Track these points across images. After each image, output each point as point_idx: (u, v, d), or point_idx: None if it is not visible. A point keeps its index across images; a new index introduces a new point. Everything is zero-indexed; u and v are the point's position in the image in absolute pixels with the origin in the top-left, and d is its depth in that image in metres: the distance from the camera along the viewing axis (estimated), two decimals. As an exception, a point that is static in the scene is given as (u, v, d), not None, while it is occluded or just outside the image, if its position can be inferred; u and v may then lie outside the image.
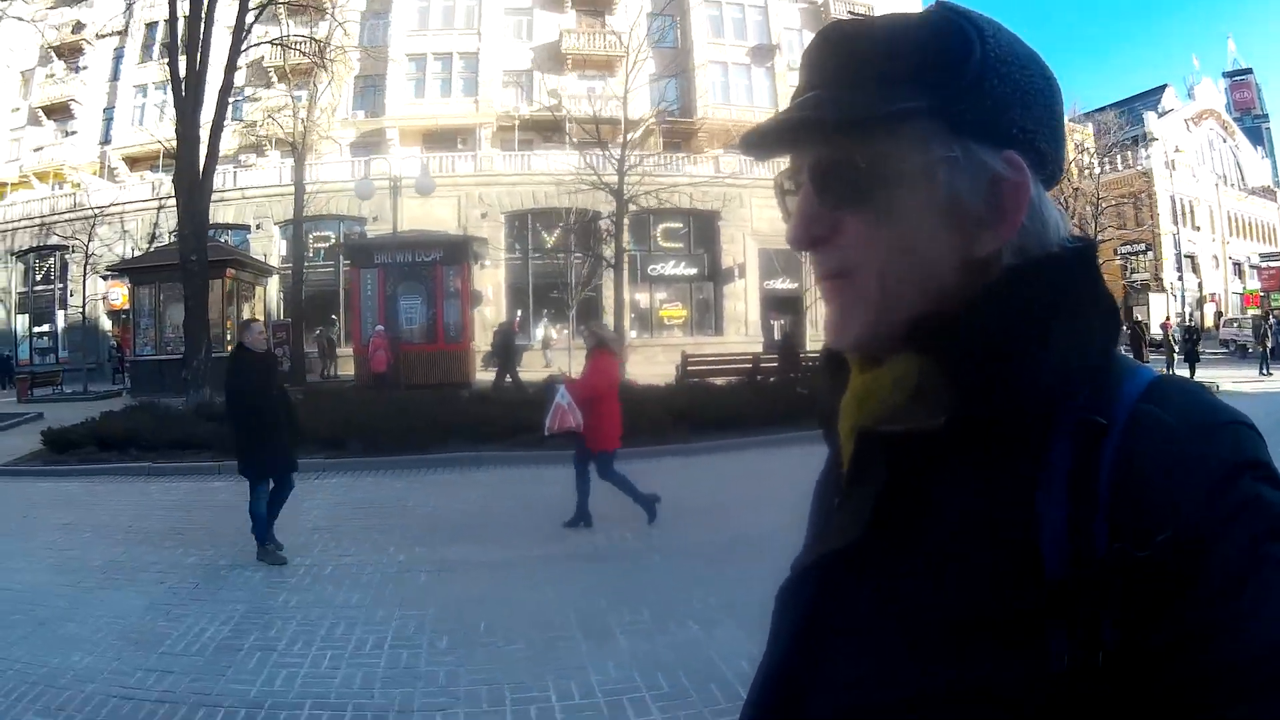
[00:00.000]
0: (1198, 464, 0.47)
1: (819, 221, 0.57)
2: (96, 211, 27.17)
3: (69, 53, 31.68)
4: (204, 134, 15.77)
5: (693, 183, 24.31)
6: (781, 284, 28.58)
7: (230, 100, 17.76)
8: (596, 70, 29.27)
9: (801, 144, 0.59)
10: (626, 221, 22.70)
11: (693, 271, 28.14)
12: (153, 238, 26.69)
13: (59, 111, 31.42)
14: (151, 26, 30.52)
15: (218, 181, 27.66)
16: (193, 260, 15.65)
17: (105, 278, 27.57)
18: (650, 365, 18.80)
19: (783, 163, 0.63)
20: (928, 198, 0.54)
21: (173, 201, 26.71)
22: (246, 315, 21.99)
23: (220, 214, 26.69)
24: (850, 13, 24.43)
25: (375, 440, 9.95)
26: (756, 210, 26.36)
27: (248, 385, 5.55)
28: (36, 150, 31.37)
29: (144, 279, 21.02)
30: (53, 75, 32.07)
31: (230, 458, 9.78)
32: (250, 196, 26.25)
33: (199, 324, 15.71)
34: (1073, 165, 39.59)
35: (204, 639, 4.27)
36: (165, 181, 27.49)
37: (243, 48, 16.90)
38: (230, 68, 16.10)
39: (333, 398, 15.37)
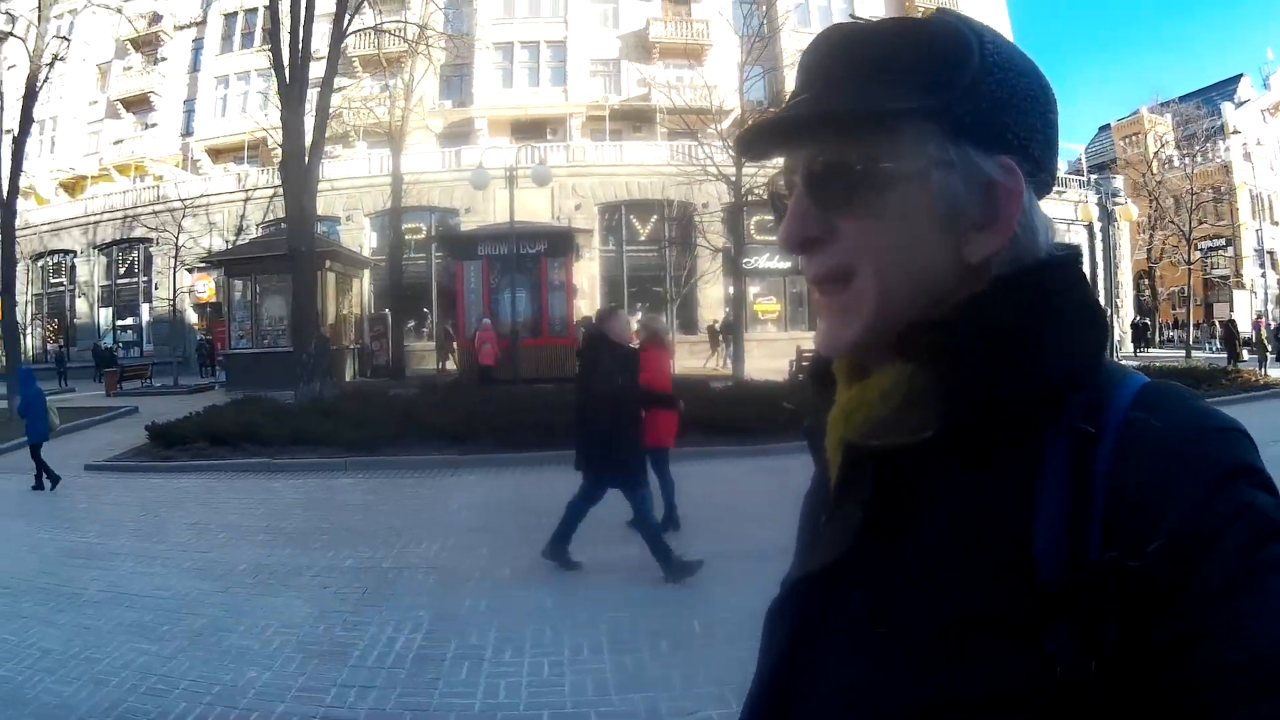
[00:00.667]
0: (1190, 471, 0.46)
1: (812, 223, 0.56)
2: (184, 204, 26.96)
3: (147, 45, 31.50)
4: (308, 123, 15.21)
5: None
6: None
7: (333, 88, 17.22)
8: (684, 59, 28.53)
9: (798, 143, 0.57)
10: (722, 214, 22.11)
11: (787, 265, 27.40)
12: (240, 230, 26.41)
13: (138, 104, 31.27)
14: (230, 17, 30.30)
15: (324, 173, 27.39)
16: (302, 251, 15.16)
17: (191, 270, 27.38)
18: (747, 360, 18.00)
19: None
20: (924, 200, 0.53)
21: (260, 193, 26.60)
22: (344, 308, 21.60)
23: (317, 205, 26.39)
24: (852, 16, 23.32)
25: (508, 434, 9.44)
26: None
27: (633, 379, 4.89)
28: (116, 143, 31.28)
29: (239, 271, 20.62)
30: (130, 68, 31.94)
31: (355, 454, 9.35)
32: (339, 188, 25.81)
33: (308, 316, 15.30)
34: (1155, 158, 38.65)
35: (396, 648, 3.93)
36: (251, 173, 27.30)
37: (346, 30, 16.33)
38: (333, 55, 15.53)
39: (451, 391, 14.92)
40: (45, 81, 17.68)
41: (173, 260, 27.28)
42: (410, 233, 24.79)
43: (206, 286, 27.18)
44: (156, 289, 27.77)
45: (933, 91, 0.52)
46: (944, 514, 0.52)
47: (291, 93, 14.67)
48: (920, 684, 0.49)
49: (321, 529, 6.40)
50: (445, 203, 25.07)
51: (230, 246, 25.17)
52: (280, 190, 25.23)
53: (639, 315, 9.49)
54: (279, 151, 28.70)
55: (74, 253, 29.53)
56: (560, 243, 20.07)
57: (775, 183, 0.61)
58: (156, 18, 31.14)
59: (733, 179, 18.51)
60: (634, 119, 27.79)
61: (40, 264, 30.55)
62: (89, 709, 3.31)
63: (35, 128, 33.58)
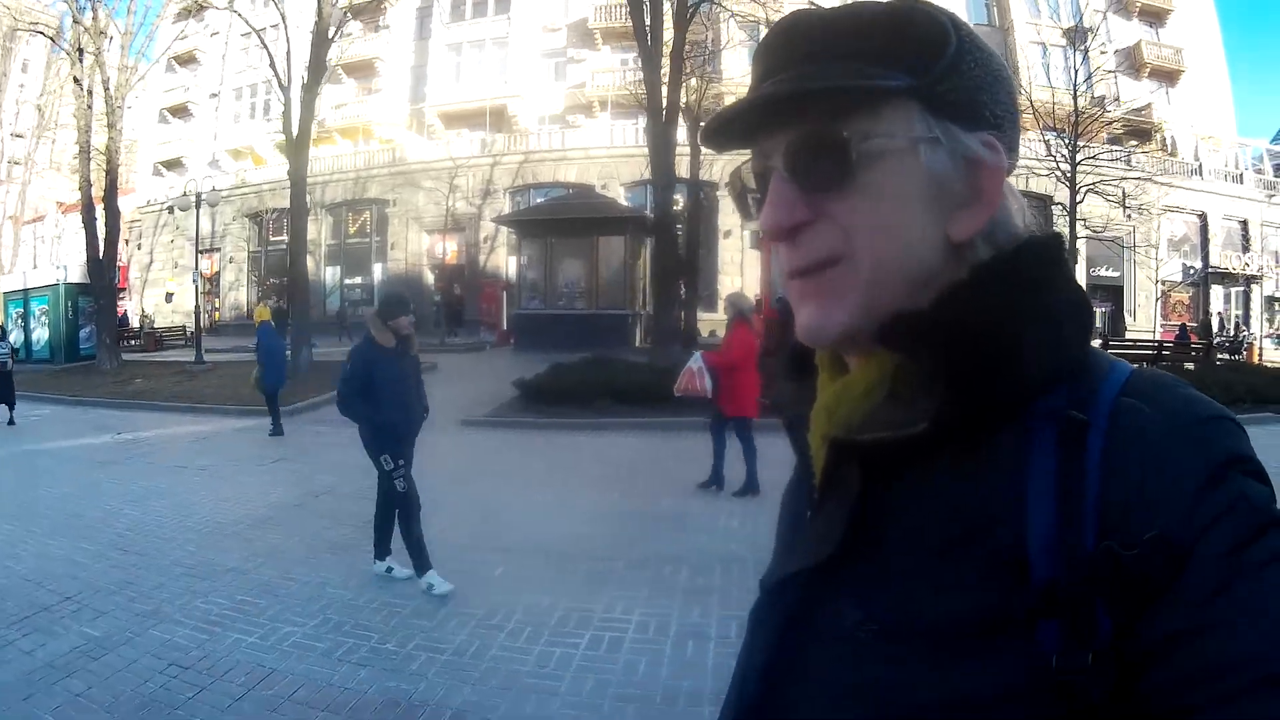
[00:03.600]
0: (1184, 460, 0.46)
1: (800, 208, 0.53)
2: (423, 166, 27.12)
3: (366, 13, 31.83)
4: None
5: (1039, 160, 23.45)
6: (1106, 272, 27.47)
7: (689, 56, 17.09)
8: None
9: (775, 126, 0.54)
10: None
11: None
12: (486, 194, 26.50)
13: (361, 70, 31.61)
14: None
15: (555, 141, 27.48)
16: (673, 212, 15.32)
17: (431, 232, 27.51)
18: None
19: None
20: (912, 177, 0.52)
21: (508, 158, 26.65)
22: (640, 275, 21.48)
23: (562, 173, 26.45)
24: (810, 2, 22.79)
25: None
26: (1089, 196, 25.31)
27: None
28: (338, 107, 31.59)
29: (533, 232, 20.54)
30: (349, 35, 32.27)
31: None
32: (594, 157, 25.89)
33: (669, 277, 15.42)
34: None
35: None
36: (498, 140, 27.42)
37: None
38: (681, 24, 15.29)
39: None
40: (338, 32, 17.94)
41: (410, 221, 27.43)
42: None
43: (450, 248, 27.29)
44: (392, 249, 27.91)
45: (916, 71, 0.51)
46: (934, 509, 0.50)
47: (652, 54, 14.64)
48: (916, 685, 0.47)
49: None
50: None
51: (531, 207, 25.26)
52: (527, 158, 25.35)
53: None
54: (517, 119, 29.00)
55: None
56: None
57: (739, 176, 0.59)
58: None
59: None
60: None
61: (258, 222, 30.88)
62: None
63: (248, 90, 34.19)
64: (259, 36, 18.19)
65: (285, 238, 30.41)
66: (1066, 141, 19.11)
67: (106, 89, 18.32)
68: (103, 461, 8.02)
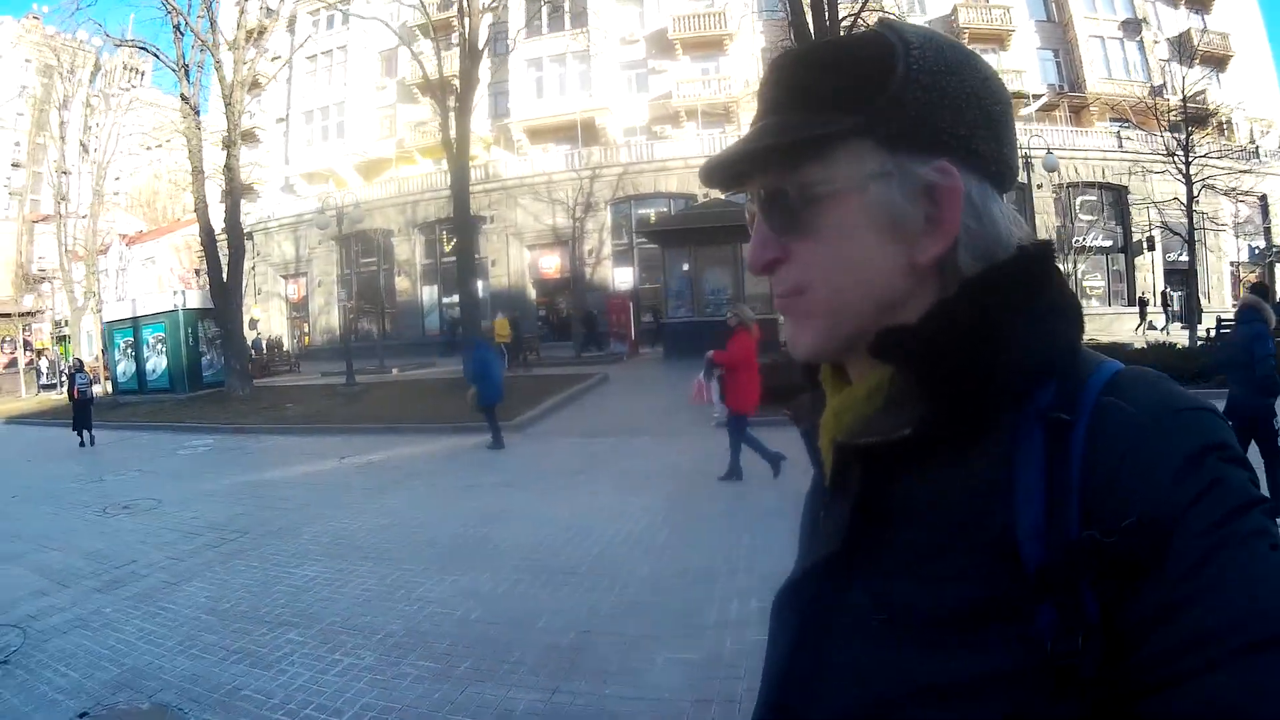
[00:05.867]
0: (1162, 448, 0.48)
1: (772, 246, 0.60)
2: (520, 181, 27.49)
3: (439, 30, 32.00)
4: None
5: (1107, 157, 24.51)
6: (1180, 257, 28.63)
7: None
8: (988, 44, 29.32)
9: (749, 174, 0.61)
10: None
11: (1108, 243, 28.15)
12: (588, 206, 26.96)
13: (434, 88, 31.73)
14: (533, 1, 30.86)
15: (652, 152, 27.96)
16: None
17: (532, 247, 27.89)
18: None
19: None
20: (864, 214, 0.56)
21: (607, 171, 27.11)
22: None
23: (662, 183, 27.00)
24: (791, 41, 24.47)
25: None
26: (1158, 184, 26.47)
27: None
28: (418, 125, 31.74)
29: (677, 242, 21.11)
30: (421, 53, 32.43)
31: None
32: (694, 167, 26.40)
33: None
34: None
35: None
36: (593, 153, 27.84)
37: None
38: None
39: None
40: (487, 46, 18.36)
41: (510, 237, 27.80)
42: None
43: (553, 263, 27.70)
44: (493, 265, 28.25)
45: (858, 109, 0.55)
46: (930, 505, 0.54)
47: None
48: (920, 668, 0.51)
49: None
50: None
51: (577, 224, 25.77)
52: (626, 170, 25.64)
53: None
54: (605, 130, 29.44)
55: (390, 232, 29.99)
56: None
57: (748, 207, 0.64)
58: (448, 3, 31.68)
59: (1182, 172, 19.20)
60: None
61: (346, 245, 31.00)
62: None
63: (319, 113, 34.17)
64: (410, 50, 18.58)
65: (374, 259, 30.72)
66: (1179, 140, 20.03)
67: (228, 102, 18.21)
68: (444, 488, 7.78)
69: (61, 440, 13.71)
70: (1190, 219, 20.13)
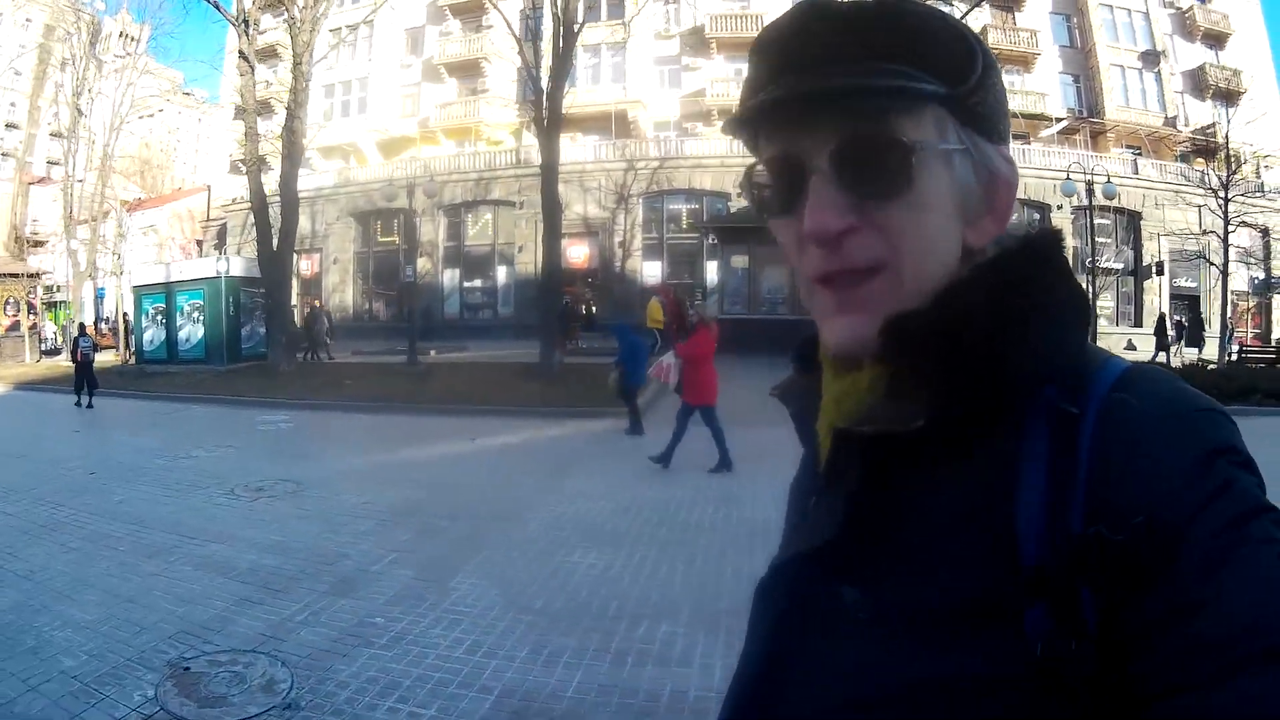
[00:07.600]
0: (1174, 448, 0.47)
1: (846, 211, 0.54)
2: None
3: (468, 12, 31.69)
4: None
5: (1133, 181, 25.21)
6: (1185, 282, 29.58)
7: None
8: (1013, 65, 29.89)
9: (811, 123, 0.54)
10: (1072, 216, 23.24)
11: (1119, 265, 28.91)
12: (621, 198, 26.89)
13: (465, 70, 31.40)
14: (568, -9, 30.66)
15: (687, 148, 27.96)
16: None
17: (563, 236, 27.65)
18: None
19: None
20: (948, 186, 0.55)
21: (642, 164, 27.05)
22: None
23: (697, 179, 27.03)
24: None
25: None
26: (1169, 211, 27.48)
27: None
28: (444, 106, 31.31)
29: (736, 239, 21.06)
30: (449, 34, 32.06)
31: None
32: (730, 165, 26.53)
33: None
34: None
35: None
36: (627, 145, 27.76)
37: None
38: None
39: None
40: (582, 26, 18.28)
41: (539, 225, 27.51)
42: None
43: (582, 252, 27.55)
44: (519, 251, 27.99)
45: (948, 80, 0.53)
46: (931, 500, 0.52)
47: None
48: (907, 667, 0.50)
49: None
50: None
51: (609, 215, 25.65)
52: (663, 163, 25.70)
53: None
54: (637, 123, 29.35)
55: (414, 212, 29.51)
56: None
57: (755, 170, 0.59)
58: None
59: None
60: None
61: (365, 223, 30.47)
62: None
63: (340, 87, 33.49)
64: (509, 26, 18.41)
65: (394, 238, 30.20)
66: (1219, 175, 20.91)
67: (298, 63, 17.61)
68: (620, 472, 7.58)
69: (103, 410, 13.05)
70: (1226, 252, 20.96)
